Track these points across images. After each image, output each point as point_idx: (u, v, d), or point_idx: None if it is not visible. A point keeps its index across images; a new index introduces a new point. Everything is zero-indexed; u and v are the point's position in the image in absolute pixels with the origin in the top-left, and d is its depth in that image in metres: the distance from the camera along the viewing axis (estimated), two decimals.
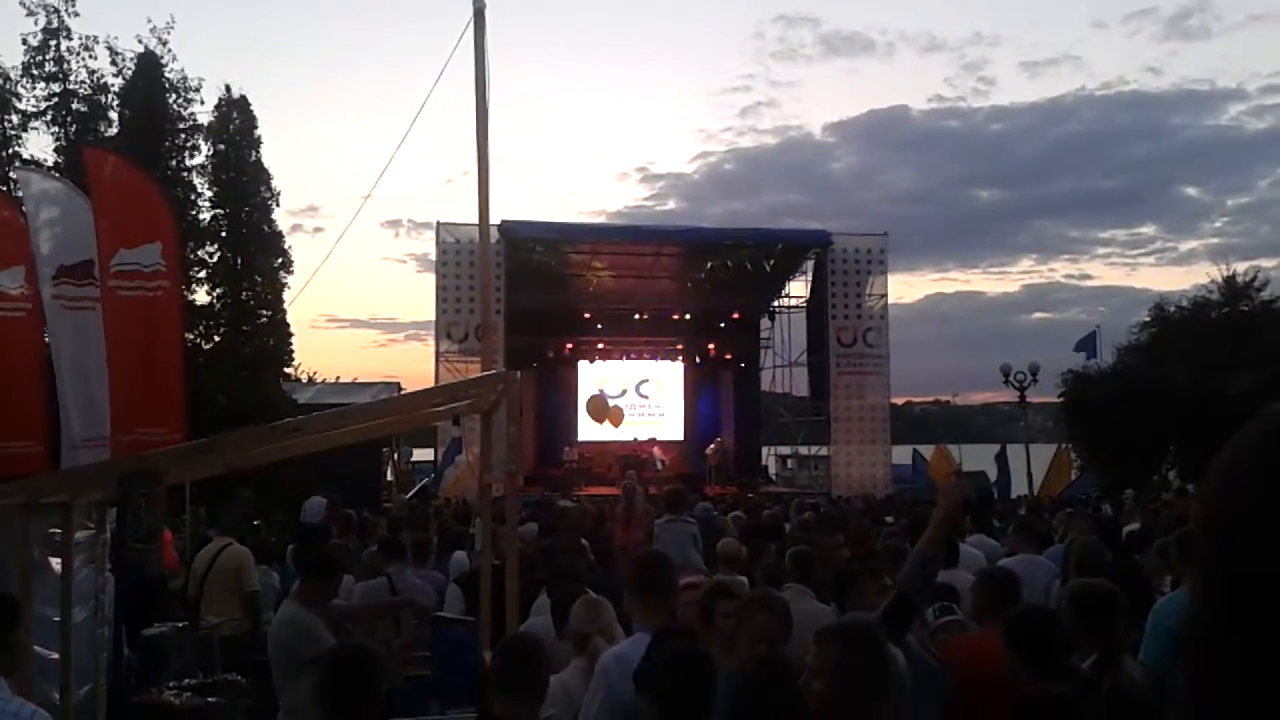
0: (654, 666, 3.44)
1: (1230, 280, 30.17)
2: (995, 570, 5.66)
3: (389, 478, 26.17)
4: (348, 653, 3.72)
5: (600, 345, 32.13)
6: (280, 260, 25.11)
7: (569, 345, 31.78)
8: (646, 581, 4.43)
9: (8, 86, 21.72)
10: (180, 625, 7.11)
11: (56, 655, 4.72)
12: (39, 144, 22.70)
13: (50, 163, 20.98)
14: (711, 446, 30.68)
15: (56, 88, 22.09)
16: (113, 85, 22.76)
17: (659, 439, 31.02)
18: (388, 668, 6.40)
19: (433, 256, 27.25)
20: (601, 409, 29.77)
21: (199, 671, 6.41)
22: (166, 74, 23.01)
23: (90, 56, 22.38)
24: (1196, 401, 25.43)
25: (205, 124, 24.05)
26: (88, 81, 22.46)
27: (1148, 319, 31.28)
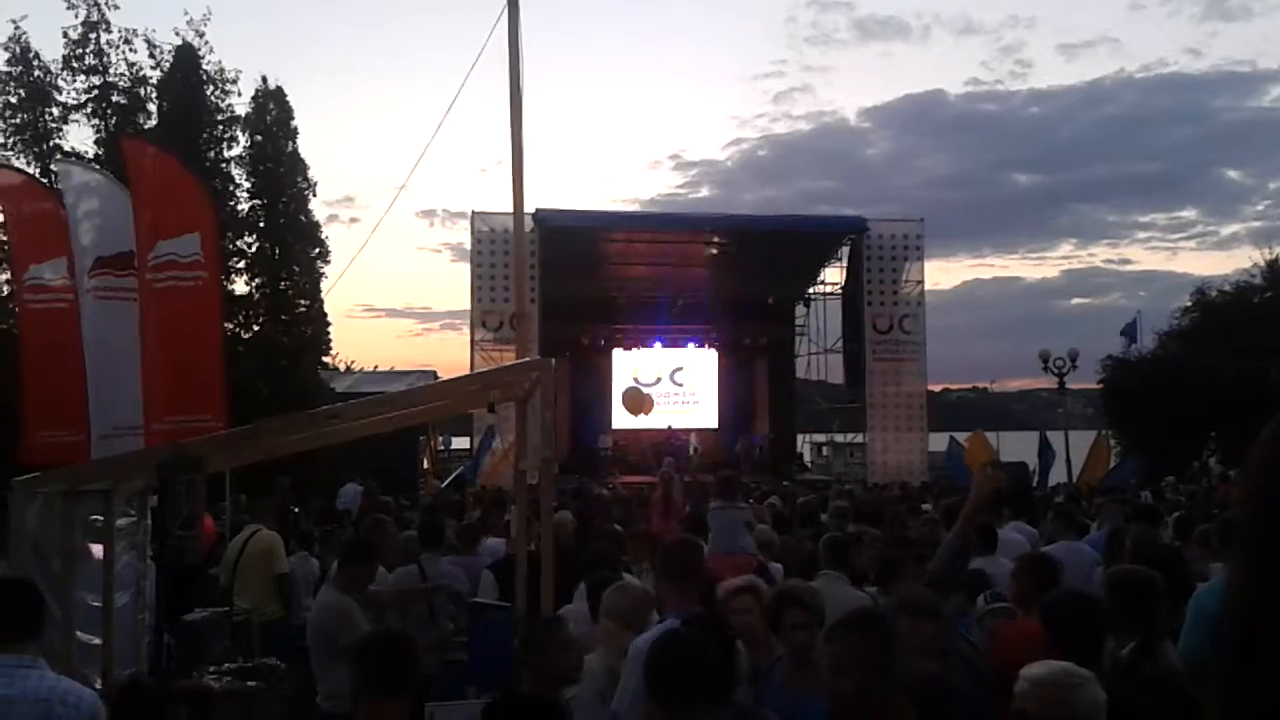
0: (652, 651, 3.40)
1: (1273, 264, 29.77)
2: (1035, 555, 5.59)
3: (425, 466, 26.33)
4: (381, 637, 3.75)
5: (635, 333, 32.12)
6: (318, 250, 25.30)
7: (604, 333, 31.79)
8: (676, 568, 4.41)
9: (49, 79, 21.95)
10: (220, 611, 7.19)
11: (99, 640, 4.78)
12: (79, 136, 22.97)
13: (90, 155, 21.19)
14: (747, 436, 30.66)
15: (96, 80, 22.29)
16: (151, 78, 22.96)
17: (694, 427, 31.00)
18: (424, 653, 6.45)
19: (467, 246, 27.34)
20: (638, 402, 29.73)
21: (238, 656, 6.47)
22: (204, 66, 23.18)
23: (129, 49, 22.58)
24: (1238, 386, 25.08)
25: (243, 115, 24.22)
26: (127, 74, 22.66)
27: (1189, 304, 30.92)
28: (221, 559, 8.79)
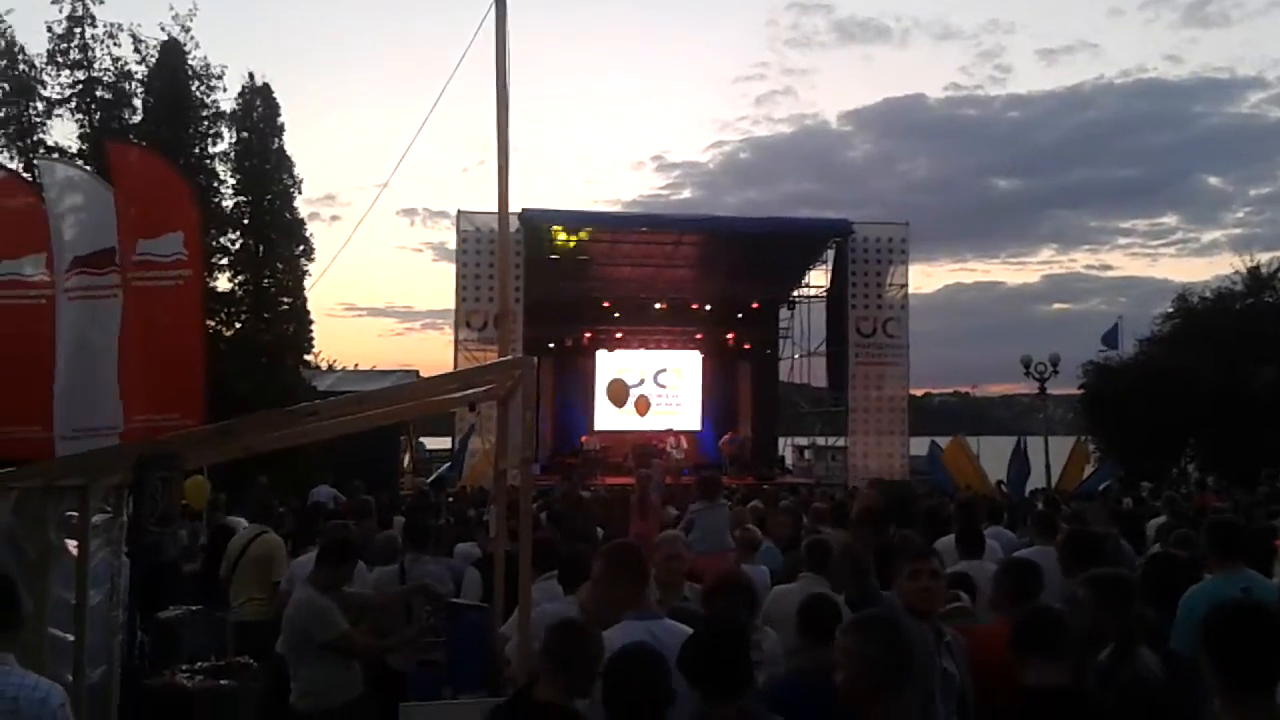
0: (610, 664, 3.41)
1: (1254, 271, 29.92)
2: (1016, 560, 5.58)
3: (406, 465, 26.28)
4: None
5: (619, 334, 32.08)
6: (301, 247, 25.17)
7: (588, 334, 31.73)
8: (631, 572, 4.40)
9: (32, 74, 21.80)
10: (194, 609, 7.15)
11: (71, 637, 4.76)
12: (63, 131, 22.79)
13: (74, 150, 21.07)
14: (727, 437, 30.65)
15: (81, 75, 22.14)
16: (136, 73, 22.84)
17: (676, 428, 31.00)
18: (401, 653, 6.43)
19: (449, 245, 27.31)
20: (621, 394, 29.64)
21: (212, 654, 6.45)
22: (189, 61, 23.06)
23: (114, 44, 22.44)
24: (1218, 393, 25.25)
25: (228, 111, 24.13)
26: (112, 69, 22.51)
27: (1170, 310, 31.07)
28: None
